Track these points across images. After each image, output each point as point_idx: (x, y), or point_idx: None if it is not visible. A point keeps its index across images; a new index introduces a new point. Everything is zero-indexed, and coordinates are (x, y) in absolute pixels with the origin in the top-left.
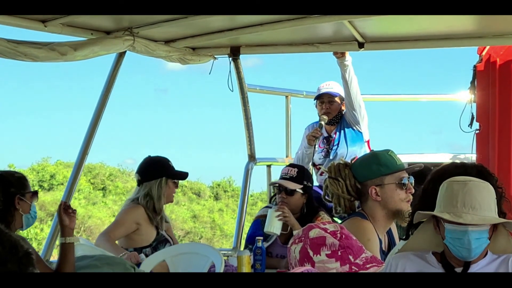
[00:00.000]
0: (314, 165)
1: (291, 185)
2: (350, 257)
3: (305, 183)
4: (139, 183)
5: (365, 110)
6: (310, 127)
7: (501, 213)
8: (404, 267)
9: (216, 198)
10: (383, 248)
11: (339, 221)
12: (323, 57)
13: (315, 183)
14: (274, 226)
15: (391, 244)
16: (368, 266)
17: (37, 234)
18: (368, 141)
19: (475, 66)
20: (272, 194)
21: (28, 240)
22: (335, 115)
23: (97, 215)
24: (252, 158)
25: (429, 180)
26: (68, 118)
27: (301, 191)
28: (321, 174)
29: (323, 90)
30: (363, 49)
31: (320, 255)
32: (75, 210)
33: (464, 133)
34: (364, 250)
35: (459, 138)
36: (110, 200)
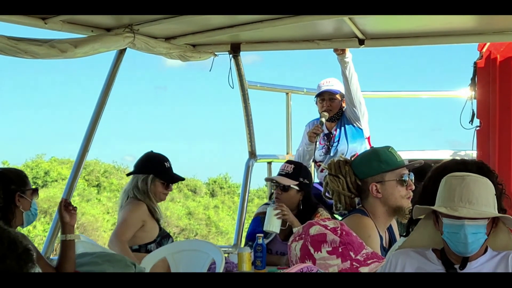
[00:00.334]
0: (314, 162)
1: (286, 181)
2: (351, 253)
3: (301, 179)
4: (129, 174)
5: (365, 107)
6: (311, 124)
7: (501, 210)
8: (404, 264)
9: (212, 194)
10: (384, 245)
11: (340, 218)
12: (323, 54)
13: (316, 180)
14: (273, 225)
15: (392, 240)
16: (369, 262)
17: (30, 231)
18: (368, 138)
19: (475, 63)
20: (272, 190)
21: None
22: (336, 112)
23: (90, 212)
24: (252, 155)
25: (429, 176)
26: (64, 114)
27: (296, 187)
28: (321, 171)
29: (323, 88)
30: (363, 46)
31: (321, 252)
32: (75, 207)
33: (463, 130)
34: (364, 246)
35: (458, 135)
36: (105, 197)
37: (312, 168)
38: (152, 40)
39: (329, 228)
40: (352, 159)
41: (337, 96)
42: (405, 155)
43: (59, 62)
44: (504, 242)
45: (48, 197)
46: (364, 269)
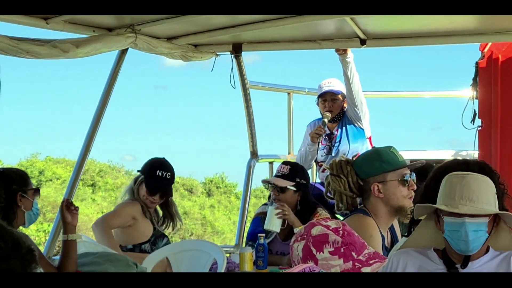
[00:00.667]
0: (316, 162)
1: (281, 183)
2: (353, 253)
3: (297, 180)
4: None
5: (366, 107)
6: (312, 125)
7: (503, 210)
8: (405, 264)
9: (209, 194)
10: (386, 245)
11: (341, 218)
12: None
13: (317, 180)
14: (273, 224)
15: (394, 240)
16: (371, 262)
17: (22, 231)
18: (370, 138)
19: (477, 63)
20: (270, 192)
21: None
22: (337, 112)
23: (84, 211)
24: (254, 155)
25: (431, 176)
26: (61, 112)
27: (293, 188)
28: (323, 171)
29: (325, 88)
30: (365, 46)
31: (323, 252)
32: (77, 207)
33: (464, 129)
34: (366, 246)
35: (459, 135)
36: (99, 197)
37: (314, 168)
38: (154, 40)
39: (331, 228)
40: (354, 159)
41: (339, 96)
42: (407, 155)
43: (54, 60)
44: (506, 242)
45: (42, 196)
46: (366, 269)
